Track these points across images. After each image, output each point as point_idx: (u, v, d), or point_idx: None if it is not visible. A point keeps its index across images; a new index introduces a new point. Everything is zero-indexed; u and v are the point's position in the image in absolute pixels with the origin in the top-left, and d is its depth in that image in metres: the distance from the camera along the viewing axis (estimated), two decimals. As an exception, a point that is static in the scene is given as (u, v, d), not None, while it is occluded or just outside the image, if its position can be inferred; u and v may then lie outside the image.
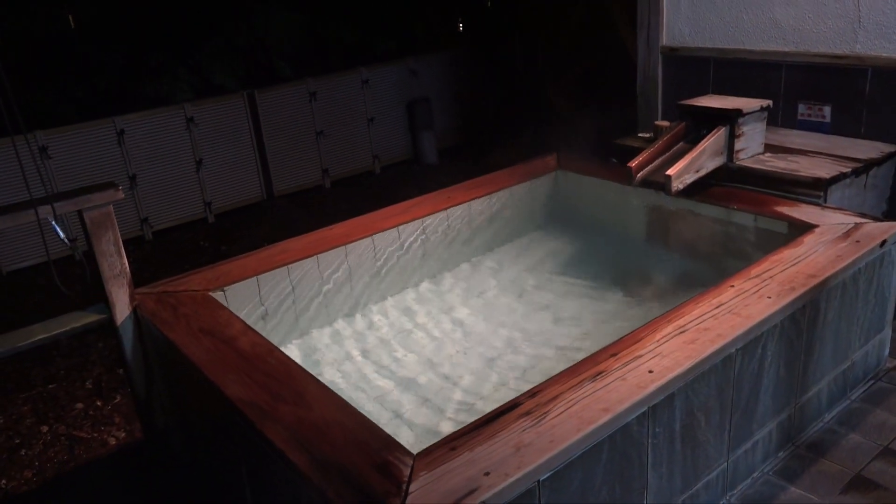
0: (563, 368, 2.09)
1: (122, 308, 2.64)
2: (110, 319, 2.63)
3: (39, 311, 2.63)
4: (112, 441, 3.15)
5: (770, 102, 3.50)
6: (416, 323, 3.32)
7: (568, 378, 1.99)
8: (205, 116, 6.08)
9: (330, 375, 2.93)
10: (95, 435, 3.20)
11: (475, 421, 1.86)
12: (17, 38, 6.18)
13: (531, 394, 1.94)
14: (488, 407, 2.19)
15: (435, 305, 3.46)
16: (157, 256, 5.46)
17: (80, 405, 3.46)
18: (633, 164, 3.41)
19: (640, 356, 2.06)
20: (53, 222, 2.31)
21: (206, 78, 6.65)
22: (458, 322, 3.32)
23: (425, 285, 3.61)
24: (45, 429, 3.29)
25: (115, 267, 2.59)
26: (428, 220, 3.55)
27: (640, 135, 4.21)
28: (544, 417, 1.82)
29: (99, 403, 3.46)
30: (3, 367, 3.77)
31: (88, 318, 2.62)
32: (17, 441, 3.20)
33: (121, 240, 2.58)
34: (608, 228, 3.92)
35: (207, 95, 6.31)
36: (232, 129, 6.28)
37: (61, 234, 2.33)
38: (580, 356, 2.22)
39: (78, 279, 4.61)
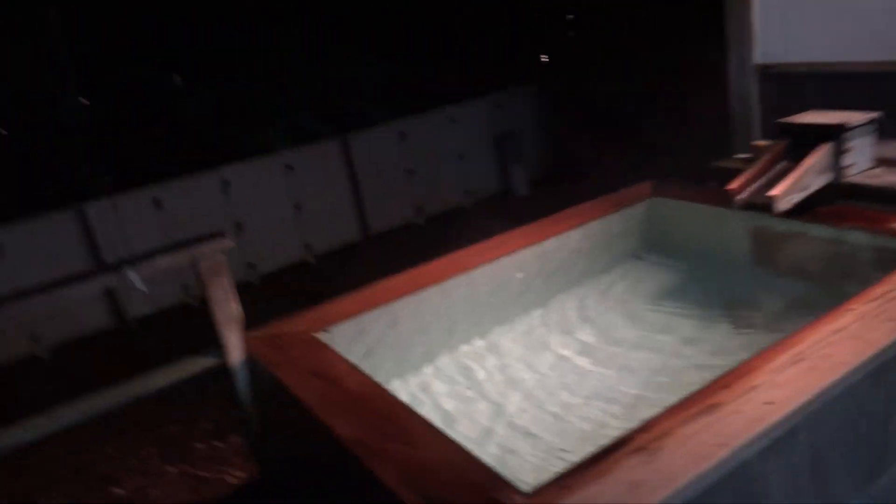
0: (673, 401, 2.03)
1: (235, 352, 2.75)
2: (224, 363, 2.75)
3: (161, 356, 2.78)
4: (233, 480, 3.27)
5: (879, 115, 3.33)
6: (518, 358, 3.30)
7: (680, 412, 1.93)
8: (302, 162, 6.33)
9: (435, 412, 2.95)
10: (218, 475, 3.33)
11: (586, 458, 1.82)
12: (128, 97, 6.66)
13: (642, 429, 1.89)
14: (597, 442, 2.15)
15: (535, 339, 3.44)
16: (263, 299, 5.68)
17: (201, 446, 3.61)
18: (734, 186, 3.31)
19: (756, 387, 1.98)
20: (130, 273, 2.44)
21: (302, 125, 6.95)
22: (559, 357, 3.28)
23: (524, 319, 3.59)
24: (169, 468, 3.45)
25: (227, 312, 2.71)
26: (523, 253, 3.55)
27: (737, 157, 4.08)
28: (657, 453, 1.77)
29: (219, 444, 3.60)
30: (130, 410, 3.98)
31: (204, 362, 2.75)
32: (147, 481, 3.37)
33: (232, 287, 2.71)
34: (710, 255, 3.79)
35: (303, 142, 6.59)
36: (328, 172, 6.51)
37: (138, 284, 2.45)
38: (691, 388, 2.14)
39: (195, 325, 4.86)
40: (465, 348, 3.39)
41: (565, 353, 3.31)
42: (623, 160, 7.35)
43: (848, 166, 3.31)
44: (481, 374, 3.21)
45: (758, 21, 4.27)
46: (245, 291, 5.86)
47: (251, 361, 2.79)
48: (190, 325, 4.64)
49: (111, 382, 2.52)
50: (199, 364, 2.71)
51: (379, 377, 3.01)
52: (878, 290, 2.41)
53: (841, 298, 2.52)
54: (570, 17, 8.71)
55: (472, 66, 8.14)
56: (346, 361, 2.62)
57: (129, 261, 2.51)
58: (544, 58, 8.89)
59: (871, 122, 3.32)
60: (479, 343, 3.43)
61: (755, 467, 1.83)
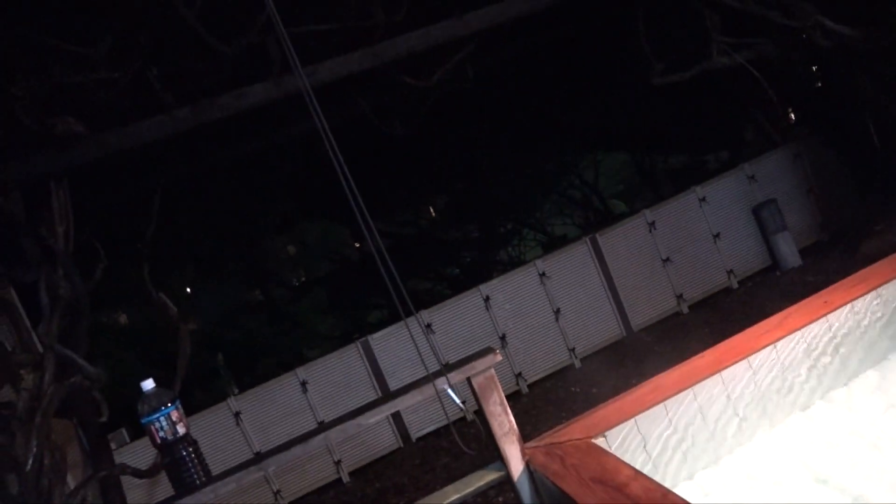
0: None
1: (515, 463, 2.80)
2: (507, 475, 2.80)
3: (446, 471, 2.92)
4: None
5: None
6: (820, 447, 2.94)
7: None
8: (554, 268, 6.47)
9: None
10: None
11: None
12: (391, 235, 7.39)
13: None
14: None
15: (837, 425, 3.05)
16: (534, 408, 5.74)
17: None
18: None
19: None
20: (450, 390, 2.59)
21: (549, 233, 7.16)
22: (870, 444, 2.87)
23: (820, 405, 3.21)
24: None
25: (504, 425, 2.78)
26: (808, 329, 3.21)
27: None
28: None
29: (509, 557, 3.63)
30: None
31: (489, 475, 2.82)
32: None
33: (505, 399, 2.79)
34: None
35: (553, 249, 6.75)
36: (581, 274, 6.56)
37: (457, 400, 2.60)
38: None
39: (473, 437, 5.04)
40: (753, 443, 3.10)
41: (875, 439, 2.88)
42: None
43: None
44: (776, 468, 2.90)
45: None
46: (516, 401, 6.02)
47: (532, 472, 2.81)
48: (469, 439, 4.83)
49: (404, 500, 2.68)
50: (484, 478, 2.79)
51: (665, 481, 2.87)
52: None
53: None
54: (815, 67, 8.14)
55: (716, 142, 7.87)
56: (628, 466, 2.53)
57: (415, 384, 2.70)
58: (793, 116, 8.34)
59: None
60: (767, 435, 3.12)
61: None
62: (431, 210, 8.54)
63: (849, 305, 3.29)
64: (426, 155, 7.89)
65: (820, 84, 8.08)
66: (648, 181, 7.95)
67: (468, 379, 2.79)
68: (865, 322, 3.32)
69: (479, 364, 2.76)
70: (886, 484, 2.61)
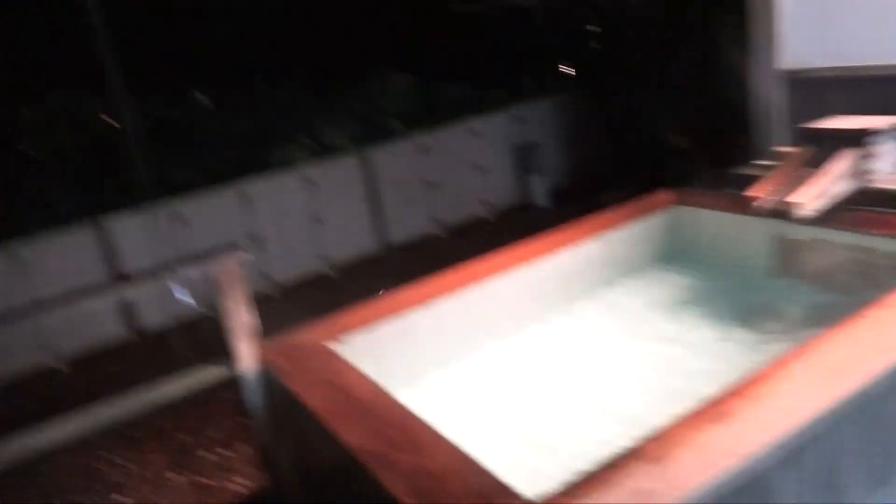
0: (686, 410, 1.98)
1: (248, 361, 2.76)
2: (237, 372, 2.76)
3: (173, 366, 2.81)
4: (239, 489, 3.27)
5: (903, 119, 3.26)
6: (534, 366, 3.26)
7: (692, 421, 1.89)
8: (322, 176, 6.38)
9: (446, 422, 2.91)
10: (223, 483, 3.33)
11: (596, 468, 1.79)
12: (151, 116, 6.79)
13: (653, 438, 1.85)
14: (607, 452, 2.11)
15: (553, 347, 3.40)
16: (281, 311, 5.70)
17: (209, 454, 3.62)
18: (755, 192, 3.25)
19: (769, 395, 1.92)
20: (179, 285, 2.46)
21: (323, 141, 7.01)
22: (573, 364, 3.24)
23: (539, 327, 3.55)
24: (175, 476, 3.45)
25: (243, 323, 2.72)
26: (542, 261, 3.52)
27: (758, 163, 4.02)
28: (667, 463, 1.72)
29: (225, 452, 3.61)
30: (141, 419, 4.02)
31: (217, 371, 2.76)
32: (153, 490, 3.38)
33: (246, 298, 2.72)
34: (731, 262, 3.73)
35: (324, 157, 6.64)
36: (348, 186, 6.54)
37: (184, 297, 2.48)
38: (706, 396, 2.09)
39: (210, 334, 4.90)
40: (478, 357, 3.36)
41: (579, 360, 3.26)
42: (648, 170, 7.29)
43: (872, 172, 3.23)
44: (493, 383, 3.18)
45: (782, 27, 4.21)
46: (263, 303, 5.91)
47: (263, 371, 2.79)
48: (203, 336, 4.68)
49: (124, 393, 2.54)
50: (209, 374, 2.72)
51: (391, 387, 3.00)
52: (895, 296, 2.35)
53: (861, 305, 2.45)
54: (594, 28, 8.71)
55: (496, 80, 8.16)
56: (357, 371, 2.61)
57: (149, 272, 2.53)
58: (567, 70, 8.88)
59: None
60: (492, 351, 3.40)
61: (768, 477, 1.77)
62: (203, 98, 7.94)
63: (579, 243, 3.64)
64: (204, 38, 7.33)
65: (596, 44, 8.68)
66: (429, 107, 8.06)
67: (210, 273, 2.67)
68: (590, 259, 3.71)
69: (224, 259, 2.65)
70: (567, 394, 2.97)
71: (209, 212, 5.88)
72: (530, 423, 2.85)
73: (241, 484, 3.29)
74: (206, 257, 2.65)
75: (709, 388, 2.74)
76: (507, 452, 2.69)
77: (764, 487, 1.77)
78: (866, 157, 3.21)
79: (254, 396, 2.80)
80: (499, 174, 7.42)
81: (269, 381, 2.78)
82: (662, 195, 4.07)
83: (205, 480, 3.36)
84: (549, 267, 3.55)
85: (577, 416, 2.85)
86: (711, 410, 1.90)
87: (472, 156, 7.22)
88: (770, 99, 4.37)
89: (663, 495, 1.62)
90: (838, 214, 3.18)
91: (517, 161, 7.49)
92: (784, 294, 3.39)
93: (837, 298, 3.17)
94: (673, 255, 4.01)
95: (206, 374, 2.70)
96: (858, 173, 3.24)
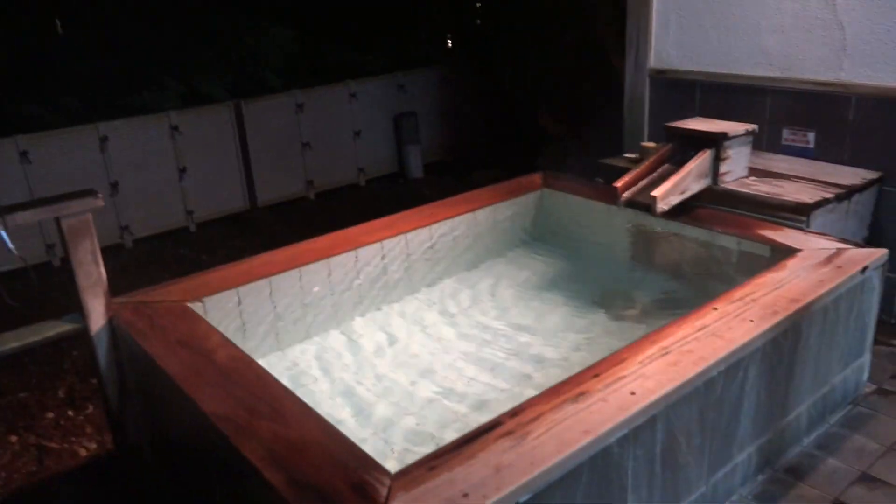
0: (544, 388, 2.07)
1: (97, 318, 2.59)
2: (85, 329, 2.58)
3: (20, 320, 2.58)
4: (82, 452, 3.08)
5: (755, 127, 3.53)
6: (397, 339, 3.28)
7: (549, 398, 1.97)
8: (190, 125, 6.04)
9: (309, 391, 2.89)
10: (66, 445, 3.13)
11: (454, 441, 1.83)
12: (5, 46, 6.15)
13: (512, 414, 1.92)
14: (468, 426, 2.16)
15: (416, 322, 3.43)
16: (136, 265, 5.39)
17: (51, 415, 3.38)
18: (619, 184, 3.41)
19: (623, 377, 2.05)
20: (3, 233, 2.26)
21: (195, 88, 6.62)
22: (438, 339, 3.29)
23: (407, 301, 3.58)
24: (14, 438, 3.21)
25: (92, 276, 2.54)
26: (411, 235, 3.53)
27: (626, 155, 4.23)
28: (525, 438, 1.80)
29: (71, 413, 3.39)
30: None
31: (62, 327, 2.56)
32: (-15, 451, 3.13)
33: (98, 248, 2.54)
34: (592, 248, 3.92)
35: (194, 104, 6.27)
36: (217, 138, 6.24)
37: (9, 245, 2.28)
38: (562, 376, 2.19)
39: (57, 286, 4.53)
40: (344, 327, 3.34)
41: (444, 335, 3.32)
42: (521, 152, 7.48)
43: (725, 173, 3.48)
44: (358, 354, 3.17)
45: (654, 26, 4.42)
46: (116, 256, 5.58)
47: (115, 329, 2.63)
48: (56, 287, 4.35)
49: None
50: (55, 328, 2.52)
51: (254, 353, 2.93)
52: (740, 291, 2.56)
53: (707, 297, 2.66)
54: (478, 3, 8.77)
55: (379, 45, 8.02)
56: (218, 334, 2.51)
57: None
58: (450, 42, 8.89)
59: (749, 133, 3.50)
60: (358, 322, 3.39)
61: (615, 453, 1.89)
62: (58, 25, 7.26)
63: (448, 220, 3.68)
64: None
65: (479, 21, 8.75)
66: (309, 65, 7.81)
67: (58, 220, 2.46)
68: (457, 236, 3.76)
69: (74, 205, 2.45)
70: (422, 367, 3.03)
71: (61, 153, 5.41)
72: (393, 395, 2.88)
73: (87, 447, 3.10)
74: (54, 201, 2.44)
75: (566, 366, 2.89)
76: (373, 422, 2.71)
77: (609, 463, 1.89)
78: (720, 159, 3.45)
79: (103, 356, 2.64)
80: (375, 141, 7.33)
81: (122, 339, 2.62)
82: (534, 178, 4.19)
83: (45, 442, 3.14)
84: (417, 241, 3.57)
85: (437, 390, 2.90)
86: (570, 390, 2.00)
87: (349, 120, 7.09)
88: (641, 94, 4.60)
89: (519, 469, 1.68)
90: (691, 211, 3.41)
91: (395, 130, 7.44)
92: (639, 281, 3.60)
93: (686, 289, 3.42)
94: (538, 237, 4.16)
95: (51, 329, 2.51)
96: (712, 174, 3.49)
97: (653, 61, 4.49)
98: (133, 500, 2.70)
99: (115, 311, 2.64)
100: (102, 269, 2.57)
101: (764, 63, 3.95)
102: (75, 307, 2.56)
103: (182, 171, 6.02)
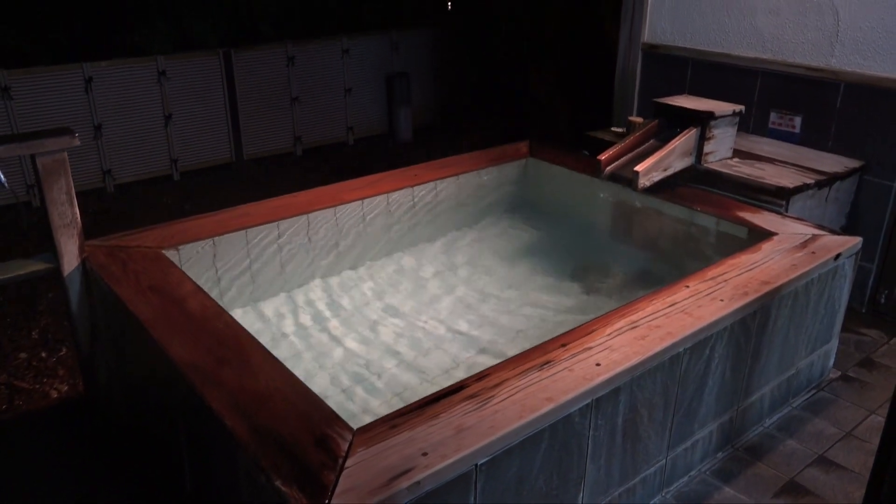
0: (512, 354, 2.09)
1: (70, 259, 2.57)
2: (57, 269, 2.57)
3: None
4: (53, 393, 3.09)
5: (742, 108, 3.53)
6: (372, 299, 3.30)
7: (515, 365, 1.99)
8: (178, 71, 5.94)
9: (279, 345, 2.90)
10: (37, 386, 3.13)
11: (418, 400, 1.85)
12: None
13: (477, 377, 1.94)
14: (435, 387, 2.19)
15: (392, 282, 3.44)
16: (116, 210, 5.34)
17: (23, 355, 3.38)
18: (603, 157, 3.41)
19: (590, 348, 2.07)
20: None
21: (185, 32, 6.49)
22: (413, 301, 3.31)
23: (385, 261, 3.58)
24: (-16, 377, 3.21)
25: (66, 216, 2.52)
26: (393, 195, 3.52)
27: (613, 129, 4.21)
28: (488, 402, 1.82)
29: (43, 354, 3.38)
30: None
31: (34, 266, 2.55)
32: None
33: (73, 188, 2.51)
34: (573, 219, 3.93)
35: (184, 50, 6.17)
36: (205, 86, 6.15)
37: (2, 178, 2.25)
38: (531, 344, 2.22)
39: (34, 225, 4.49)
40: (319, 284, 3.35)
41: (419, 297, 3.34)
42: (510, 119, 7.44)
43: (709, 153, 3.49)
44: (332, 312, 3.18)
45: (650, 0, 4.38)
46: (98, 200, 5.53)
47: (88, 271, 2.62)
48: (33, 226, 4.29)
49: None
50: (27, 267, 2.51)
51: (226, 303, 2.93)
52: (713, 270, 2.58)
53: (682, 274, 2.68)
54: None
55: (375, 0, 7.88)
56: (191, 282, 2.51)
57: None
58: (448, 4, 8.75)
59: (735, 114, 3.50)
60: (333, 280, 3.40)
61: (576, 422, 1.92)
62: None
63: (431, 182, 3.67)
64: None
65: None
66: (303, 15, 7.66)
67: (34, 157, 2.43)
68: (440, 200, 3.76)
69: (50, 143, 2.41)
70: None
71: (45, 91, 5.31)
72: (364, 352, 2.89)
73: (58, 389, 3.10)
74: (29, 138, 2.41)
75: (537, 334, 2.91)
76: (341, 378, 2.73)
77: (571, 431, 1.92)
78: (706, 138, 3.45)
79: (75, 297, 2.63)
80: (366, 100, 7.26)
81: (95, 282, 2.61)
82: (520, 146, 4.18)
83: (16, 382, 3.13)
84: (399, 202, 3.56)
85: (409, 350, 2.92)
86: (536, 358, 2.02)
87: (340, 76, 7.00)
88: (633, 68, 4.57)
89: (479, 431, 1.71)
90: (673, 188, 3.42)
91: (387, 90, 7.36)
92: (615, 255, 3.63)
93: (661, 264, 3.44)
94: (522, 204, 4.16)
95: (23, 268, 2.49)
96: (696, 153, 3.49)
97: (647, 35, 4.46)
98: (100, 444, 2.72)
99: (88, 253, 2.62)
100: (77, 210, 2.54)
101: (756, 44, 3.93)
102: (50, 248, 2.54)
103: (168, 117, 5.94)
